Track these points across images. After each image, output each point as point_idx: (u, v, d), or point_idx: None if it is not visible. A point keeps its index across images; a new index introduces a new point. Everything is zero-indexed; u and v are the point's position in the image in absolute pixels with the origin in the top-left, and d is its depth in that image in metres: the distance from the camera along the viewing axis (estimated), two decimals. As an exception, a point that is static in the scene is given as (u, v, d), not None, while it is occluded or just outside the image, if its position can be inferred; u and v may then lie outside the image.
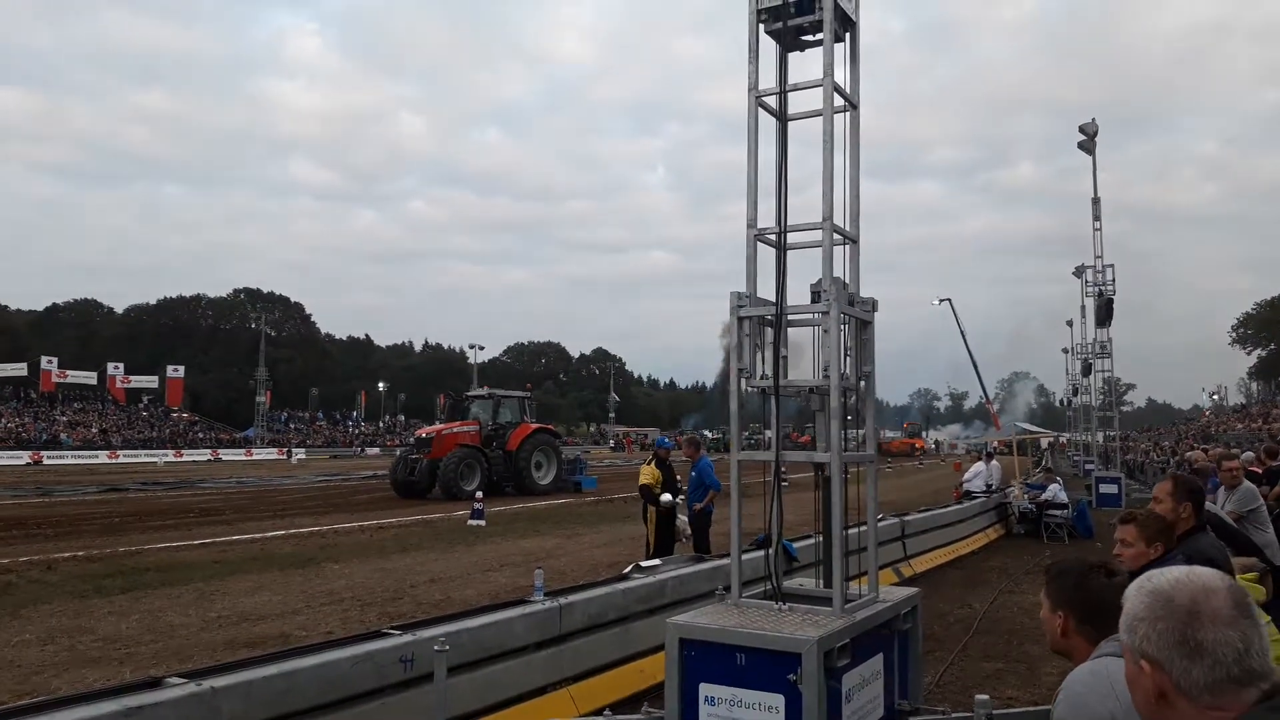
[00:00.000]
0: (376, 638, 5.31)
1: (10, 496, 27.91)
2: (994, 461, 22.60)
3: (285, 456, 67.51)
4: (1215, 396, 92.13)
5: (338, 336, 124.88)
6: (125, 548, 15.38)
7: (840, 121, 5.13)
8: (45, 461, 55.78)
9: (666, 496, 12.09)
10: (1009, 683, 7.81)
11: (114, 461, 58.42)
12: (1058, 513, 18.43)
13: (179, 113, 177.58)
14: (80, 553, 14.65)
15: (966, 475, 21.95)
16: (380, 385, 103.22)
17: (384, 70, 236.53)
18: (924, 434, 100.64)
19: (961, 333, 54.66)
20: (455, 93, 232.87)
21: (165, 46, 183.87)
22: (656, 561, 8.76)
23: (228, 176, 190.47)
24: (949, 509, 16.98)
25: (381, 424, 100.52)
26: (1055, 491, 19.11)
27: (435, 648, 4.43)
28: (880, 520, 11.70)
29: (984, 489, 20.35)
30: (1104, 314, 29.61)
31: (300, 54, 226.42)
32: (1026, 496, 19.57)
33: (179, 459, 62.53)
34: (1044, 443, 46.09)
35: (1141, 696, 1.53)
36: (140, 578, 12.40)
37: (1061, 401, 73.82)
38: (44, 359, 78.88)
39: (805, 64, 5.26)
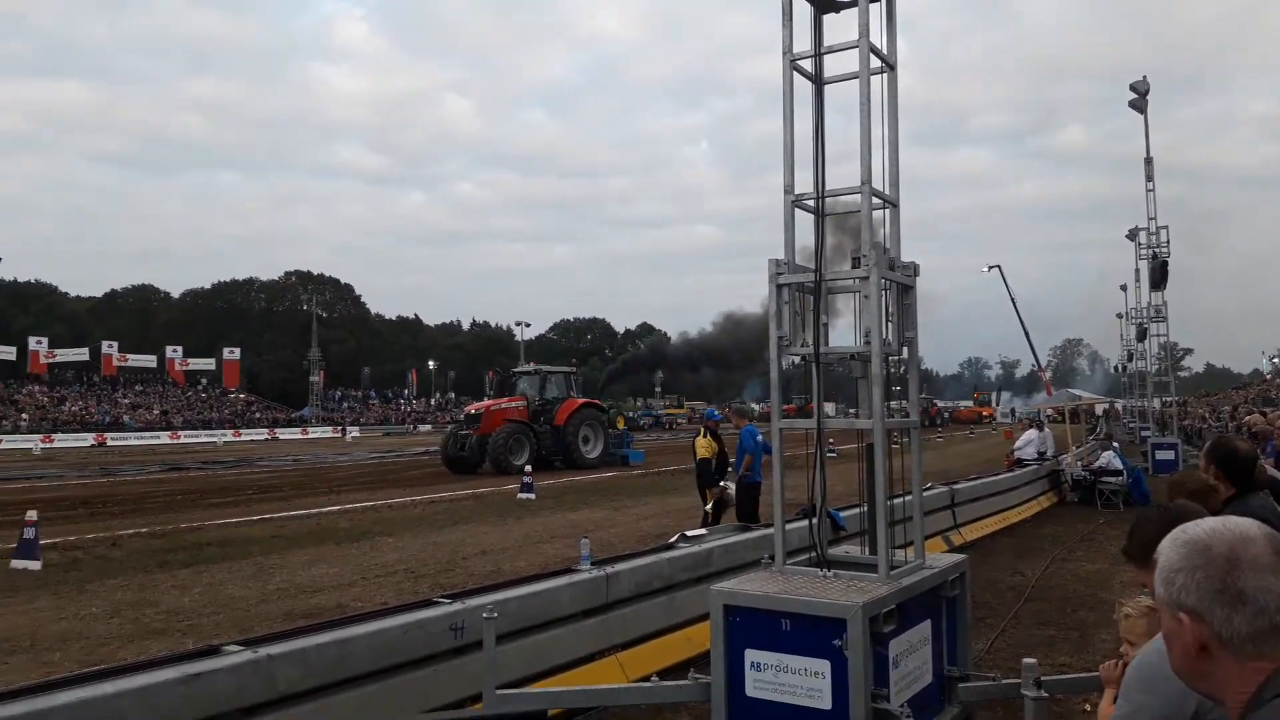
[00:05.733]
0: (427, 606, 5.42)
1: (76, 477, 28.85)
2: (1046, 429, 22.28)
3: (340, 434, 68.78)
4: (1276, 360, 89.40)
5: (388, 316, 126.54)
6: (187, 524, 15.81)
7: (878, 83, 5.06)
8: (109, 443, 57.45)
9: (726, 484, 12.59)
10: (1061, 650, 7.73)
11: (175, 442, 59.97)
12: (1112, 480, 18.12)
13: (231, 100, 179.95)
14: (144, 529, 15.09)
15: (1018, 443, 21.66)
16: (430, 363, 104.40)
17: (429, 53, 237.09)
18: (995, 402, 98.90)
19: (1012, 300, 53.84)
20: (500, 74, 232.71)
21: (217, 34, 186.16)
22: (702, 531, 8.81)
23: (279, 162, 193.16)
24: (1000, 477, 16.78)
25: (432, 401, 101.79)
26: (1110, 458, 18.79)
27: (484, 615, 4.51)
28: (929, 489, 11.67)
29: (1036, 457, 20.07)
30: (1158, 277, 28.89)
31: (348, 39, 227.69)
32: (1080, 464, 19.26)
33: (237, 438, 64.04)
34: (1098, 409, 45.18)
35: (1180, 651, 1.50)
36: (201, 552, 12.75)
37: (1116, 368, 72.35)
38: (105, 343, 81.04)
39: (841, 26, 5.20)
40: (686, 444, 28.85)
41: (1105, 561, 11.95)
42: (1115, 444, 21.75)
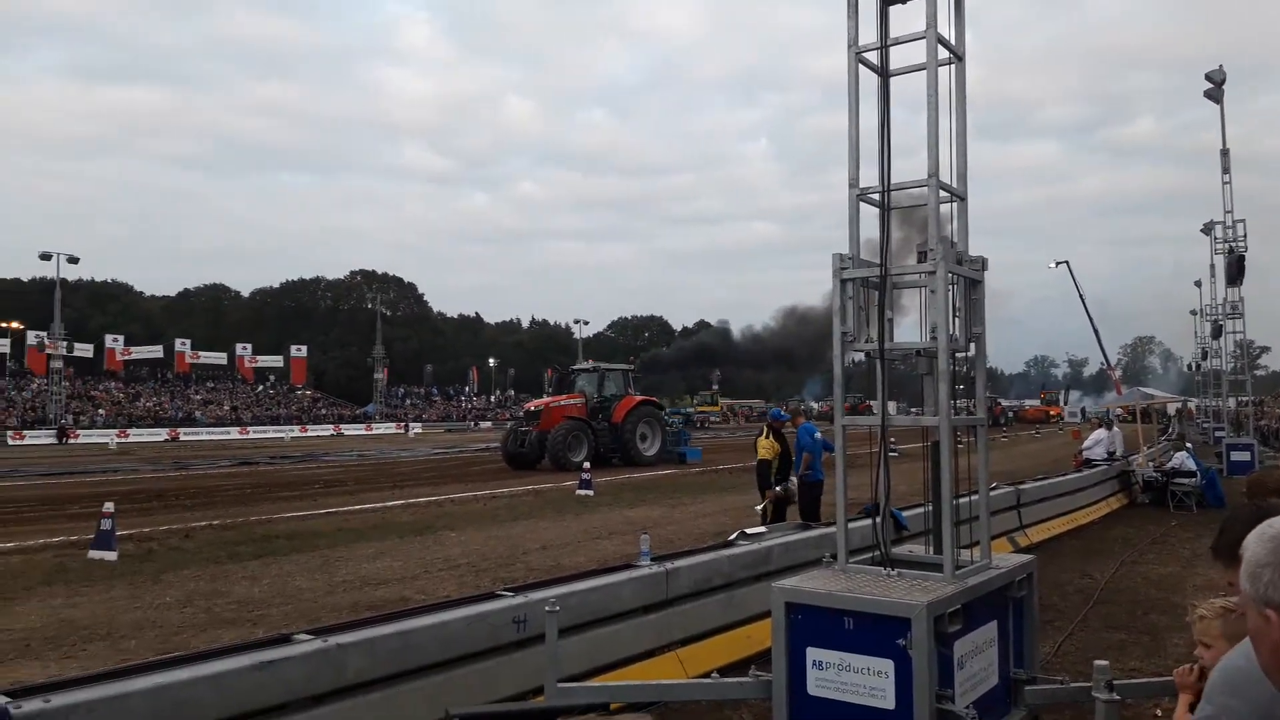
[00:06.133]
0: (490, 599, 5.48)
1: (151, 470, 29.77)
2: (1115, 429, 21.75)
3: (403, 431, 69.86)
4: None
5: (449, 315, 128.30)
6: (256, 517, 16.21)
7: (945, 75, 4.98)
8: (182, 437, 59.24)
9: (781, 487, 12.43)
10: (1132, 654, 7.54)
11: (245, 437, 61.53)
12: (1185, 481, 17.60)
13: (298, 103, 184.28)
14: (215, 521, 15.50)
15: (1087, 443, 21.19)
16: (490, 361, 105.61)
17: (491, 54, 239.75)
18: (1063, 401, 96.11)
19: (1080, 296, 52.52)
20: (560, 74, 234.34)
21: (285, 38, 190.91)
22: (762, 529, 8.76)
23: (345, 163, 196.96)
24: (1067, 477, 16.42)
25: (492, 398, 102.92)
26: (1182, 459, 18.26)
27: (546, 608, 4.54)
28: (994, 489, 11.46)
29: (1105, 457, 19.60)
30: (1235, 272, 28.03)
31: (412, 42, 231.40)
32: (1151, 465, 18.75)
33: (304, 434, 65.44)
34: (1171, 409, 43.88)
35: (1269, 650, 1.46)
36: (270, 545, 13.06)
37: (1190, 366, 70.22)
38: (178, 341, 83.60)
39: (907, 17, 5.12)
40: (744, 442, 28.60)
41: (1178, 564, 11.62)
42: (1188, 444, 21.17)
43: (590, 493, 19.69)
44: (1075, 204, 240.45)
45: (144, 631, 8.26)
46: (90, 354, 74.40)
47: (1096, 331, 52.71)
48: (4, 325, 70.36)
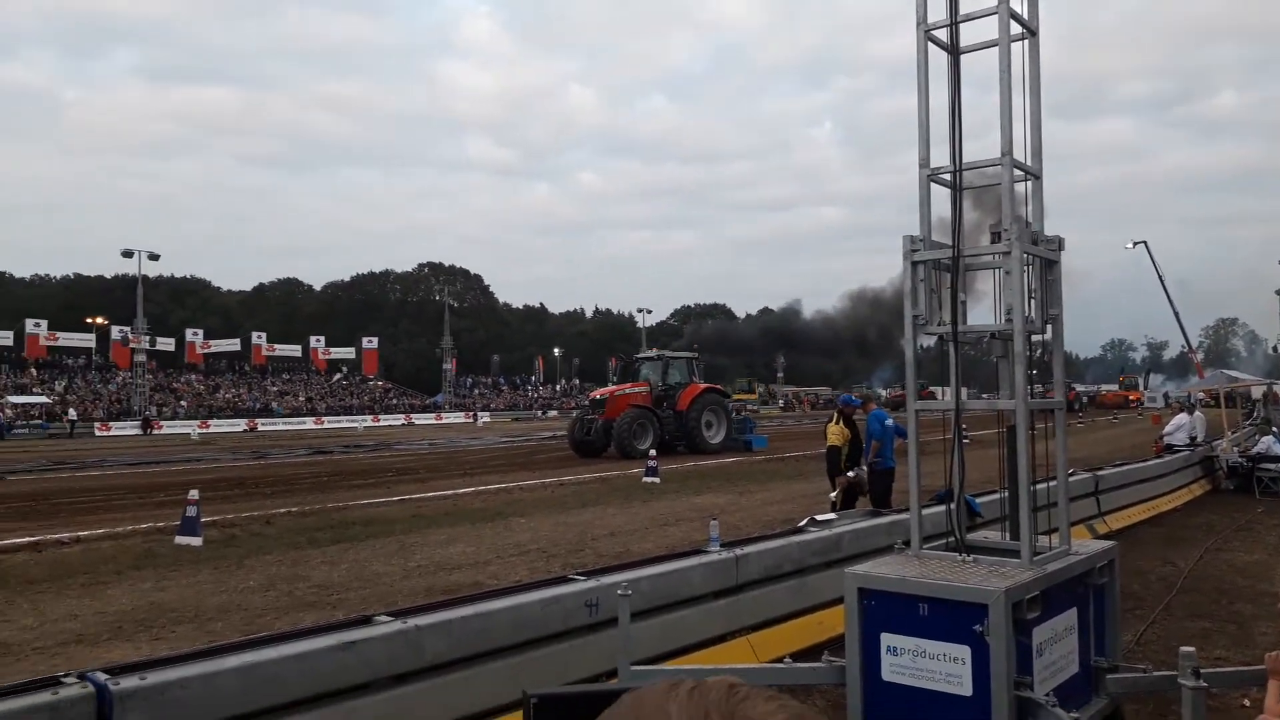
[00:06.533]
0: (563, 583, 5.56)
1: (232, 459, 30.71)
2: (1197, 413, 21.06)
3: (471, 420, 70.92)
4: None
5: (515, 306, 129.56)
6: (333, 504, 16.59)
7: (1018, 51, 4.87)
8: (260, 428, 60.92)
9: (854, 472, 12.32)
10: (1218, 643, 7.33)
11: (319, 427, 63.08)
12: (1273, 466, 16.99)
13: (365, 99, 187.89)
14: (294, 508, 15.92)
15: (1168, 428, 20.57)
16: (556, 351, 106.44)
17: (552, 46, 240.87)
18: (1143, 385, 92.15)
19: (1159, 277, 50.94)
20: (622, 63, 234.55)
21: (351, 37, 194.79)
22: (831, 515, 8.70)
23: (411, 157, 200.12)
24: (1148, 463, 15.96)
25: (558, 387, 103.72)
26: (1269, 444, 17.64)
27: (619, 592, 4.58)
28: (1071, 475, 11.18)
29: (1187, 442, 19.00)
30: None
31: (473, 36, 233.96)
32: (1236, 450, 18.13)
33: (376, 424, 66.87)
34: (1256, 392, 42.21)
35: None
36: (347, 531, 13.38)
37: (1275, 348, 67.59)
38: (254, 334, 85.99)
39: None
40: (810, 430, 28.36)
41: (1265, 552, 11.25)
42: (1275, 428, 20.43)
43: (656, 480, 19.74)
44: (1153, 182, 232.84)
45: (229, 614, 8.55)
46: (171, 347, 77.00)
47: (1177, 313, 51.15)
48: (90, 321, 73.27)
